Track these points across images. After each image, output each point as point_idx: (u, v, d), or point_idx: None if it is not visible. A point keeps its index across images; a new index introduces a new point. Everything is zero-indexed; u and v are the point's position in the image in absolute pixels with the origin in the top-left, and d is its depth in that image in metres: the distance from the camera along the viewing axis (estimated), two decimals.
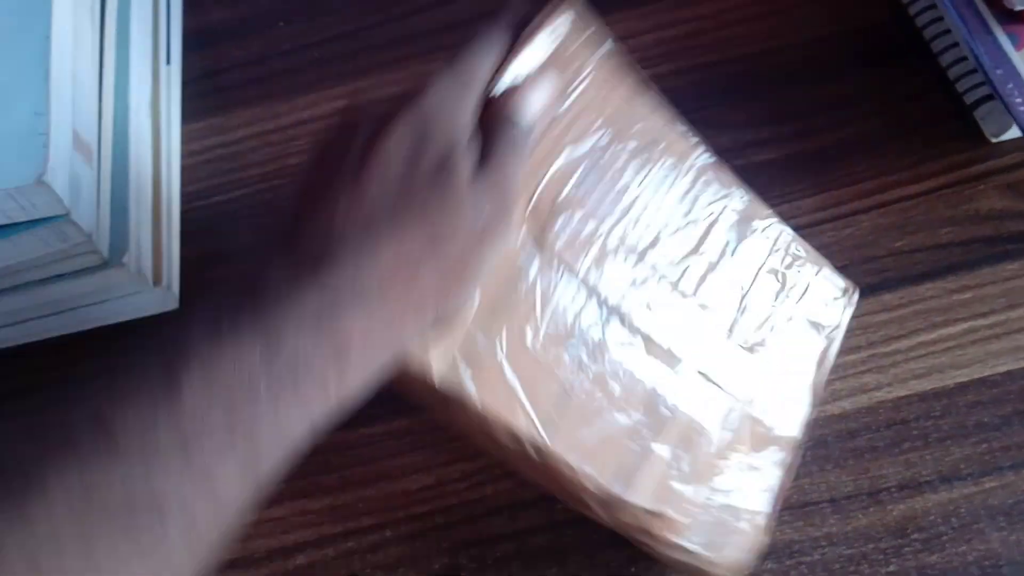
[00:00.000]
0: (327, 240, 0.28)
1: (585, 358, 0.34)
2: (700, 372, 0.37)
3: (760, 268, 0.40)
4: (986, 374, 0.41)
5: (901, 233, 0.44)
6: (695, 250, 0.38)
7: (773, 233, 0.41)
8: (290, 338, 0.26)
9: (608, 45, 0.38)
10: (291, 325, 0.26)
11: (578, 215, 0.35)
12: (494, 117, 0.32)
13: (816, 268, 0.41)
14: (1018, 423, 0.40)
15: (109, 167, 0.45)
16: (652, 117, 0.39)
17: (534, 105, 0.34)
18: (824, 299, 0.41)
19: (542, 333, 0.33)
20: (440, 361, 0.32)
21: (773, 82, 0.49)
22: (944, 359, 0.41)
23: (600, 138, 0.37)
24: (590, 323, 0.34)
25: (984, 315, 0.42)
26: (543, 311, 0.34)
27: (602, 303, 0.35)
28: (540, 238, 0.34)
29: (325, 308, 0.27)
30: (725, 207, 0.39)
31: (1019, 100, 0.40)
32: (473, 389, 0.32)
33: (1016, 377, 0.40)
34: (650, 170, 0.38)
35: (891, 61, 0.49)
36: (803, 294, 0.40)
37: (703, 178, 0.39)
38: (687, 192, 0.39)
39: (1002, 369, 0.41)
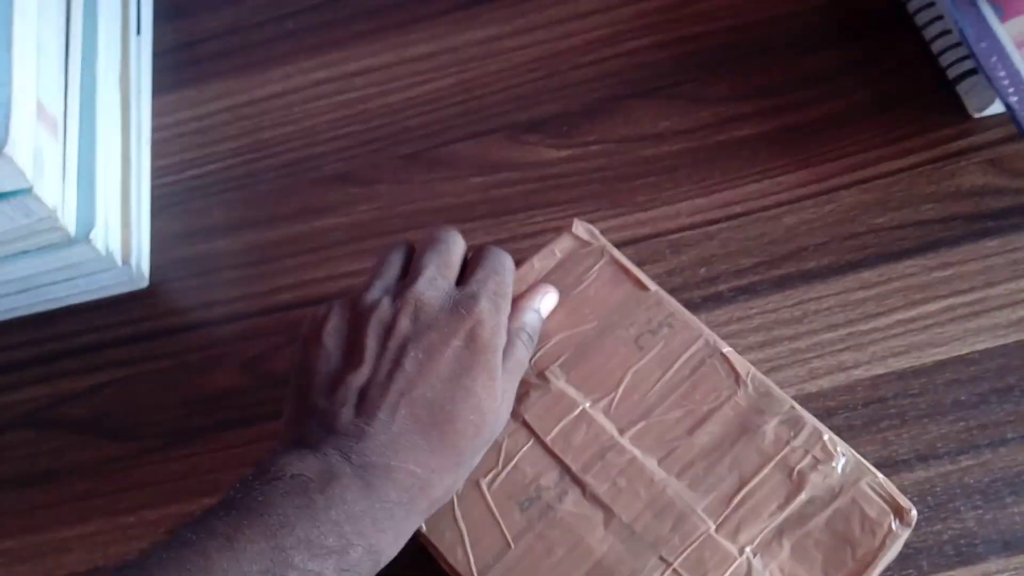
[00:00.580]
0: (378, 453, 0.32)
1: (537, 518, 0.35)
2: (663, 558, 0.34)
3: (770, 463, 0.35)
4: (964, 352, 0.40)
5: (883, 209, 0.44)
6: (687, 434, 0.36)
7: (794, 427, 0.36)
8: (355, 542, 0.31)
9: (609, 257, 0.40)
10: (348, 535, 0.31)
11: (556, 388, 0.38)
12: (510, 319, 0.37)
13: (856, 475, 0.35)
14: (995, 401, 0.39)
15: (76, 140, 0.44)
16: (656, 308, 0.39)
17: (540, 313, 0.39)
18: (862, 514, 0.34)
19: (498, 483, 0.36)
20: None
21: (755, 55, 0.48)
22: (923, 337, 0.41)
23: (596, 326, 0.39)
24: (548, 487, 0.36)
25: (963, 292, 0.41)
26: (504, 466, 0.36)
27: (564, 471, 0.36)
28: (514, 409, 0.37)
29: (376, 520, 0.32)
30: (731, 396, 0.37)
31: (1002, 74, 0.39)
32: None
33: (994, 355, 0.40)
34: (647, 355, 0.38)
35: (874, 34, 0.48)
36: (831, 503, 0.34)
37: (705, 365, 0.37)
38: (687, 378, 0.37)
39: (980, 347, 0.40)
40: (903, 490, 0.38)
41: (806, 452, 0.35)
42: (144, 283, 0.48)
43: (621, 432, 0.37)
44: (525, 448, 0.37)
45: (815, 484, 0.35)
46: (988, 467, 0.38)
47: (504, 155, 0.48)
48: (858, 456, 0.35)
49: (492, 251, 0.38)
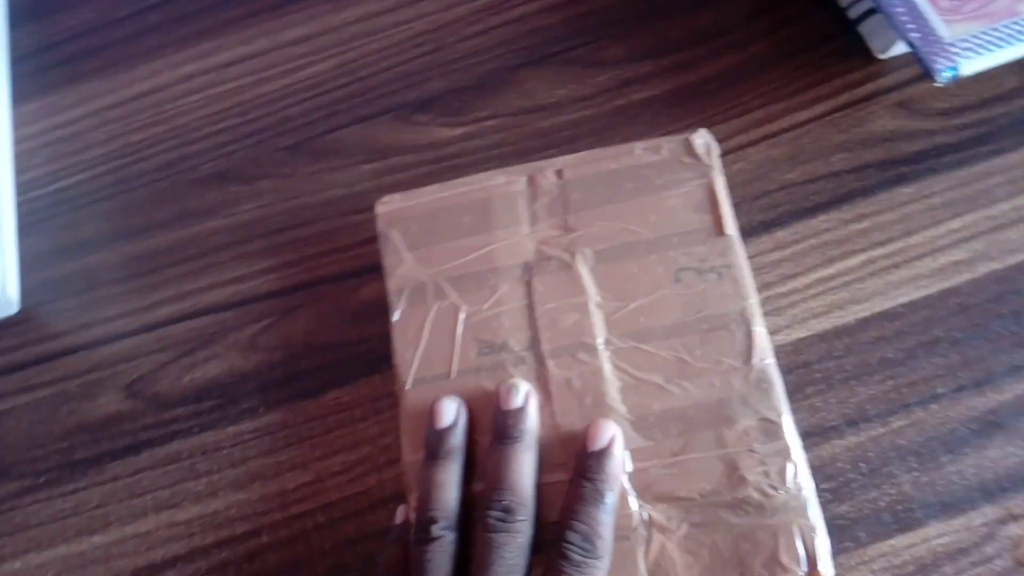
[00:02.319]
0: None
1: (486, 368, 0.35)
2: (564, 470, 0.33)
3: (720, 451, 0.33)
4: (887, 307, 0.38)
5: (793, 164, 0.41)
6: (664, 380, 0.34)
7: (768, 435, 0.33)
8: None
9: (709, 180, 0.37)
10: None
11: (577, 270, 0.36)
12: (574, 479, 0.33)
13: (794, 516, 0.32)
14: (923, 356, 0.37)
15: None
16: (718, 252, 0.36)
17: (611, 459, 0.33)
18: (773, 551, 0.32)
19: (475, 320, 0.36)
20: None
21: (648, 13, 0.46)
22: (843, 294, 0.39)
23: (651, 237, 0.36)
24: (512, 348, 0.36)
25: (882, 244, 0.39)
26: (489, 309, 0.36)
27: (534, 343, 0.35)
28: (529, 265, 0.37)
29: None
30: (730, 372, 0.34)
31: (901, 10, 0.37)
32: None
33: (918, 307, 0.38)
34: (679, 289, 0.35)
35: None
36: (753, 522, 0.32)
37: (726, 330, 0.34)
38: (703, 331, 0.34)
39: (903, 300, 0.38)
40: (833, 459, 0.36)
41: (761, 463, 0.32)
42: (14, 308, 0.44)
43: (607, 343, 0.35)
44: (516, 305, 0.36)
45: (750, 496, 0.32)
46: (921, 426, 0.36)
47: (395, 138, 0.45)
48: (814, 502, 0.32)
49: (588, 481, 0.32)
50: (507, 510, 0.31)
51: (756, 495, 0.32)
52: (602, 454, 0.32)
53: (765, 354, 0.34)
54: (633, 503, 0.32)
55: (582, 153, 0.38)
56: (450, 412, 0.34)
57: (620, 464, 0.33)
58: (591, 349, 0.35)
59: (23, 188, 0.47)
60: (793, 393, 0.37)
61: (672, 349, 0.34)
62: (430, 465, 0.33)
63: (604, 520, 0.31)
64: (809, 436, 0.37)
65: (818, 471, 0.36)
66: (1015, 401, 0.36)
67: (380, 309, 0.41)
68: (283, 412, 0.40)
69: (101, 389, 0.42)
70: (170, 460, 0.40)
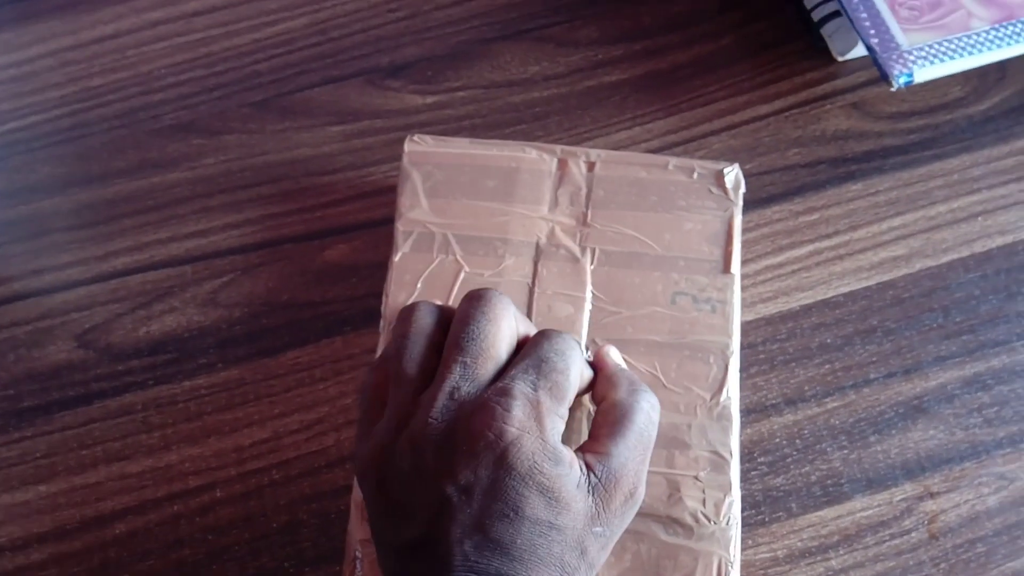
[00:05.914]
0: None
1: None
2: None
3: (665, 471, 0.34)
4: (829, 295, 0.41)
5: (751, 155, 0.43)
6: None
7: (714, 468, 0.34)
8: None
9: (729, 217, 0.38)
10: None
11: (582, 265, 0.37)
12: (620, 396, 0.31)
13: (719, 550, 0.33)
14: (859, 343, 0.40)
15: None
16: (718, 287, 0.37)
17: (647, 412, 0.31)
18: None
19: (474, 258, 0.37)
20: None
21: None
22: (790, 282, 0.41)
23: (657, 255, 0.37)
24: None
25: (828, 236, 0.42)
26: (499, 260, 0.37)
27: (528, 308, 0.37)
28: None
29: None
30: (695, 402, 0.35)
31: (863, 15, 0.39)
32: None
33: (857, 297, 0.41)
34: (671, 311, 0.36)
35: None
36: (681, 544, 0.33)
37: (704, 361, 0.36)
38: (681, 355, 0.36)
39: (844, 290, 0.41)
40: (771, 434, 0.39)
41: (702, 492, 0.34)
42: None
43: (590, 344, 0.36)
44: (518, 281, 0.37)
45: (683, 518, 0.34)
46: (852, 408, 0.39)
47: (364, 102, 0.45)
48: (737, 540, 0.33)
49: (546, 334, 0.31)
50: (480, 293, 0.31)
51: (689, 519, 0.34)
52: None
53: (733, 393, 0.35)
54: None
55: (618, 152, 0.39)
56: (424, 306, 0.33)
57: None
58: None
59: None
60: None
61: (649, 365, 0.36)
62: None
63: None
64: (750, 413, 0.39)
65: (757, 445, 0.38)
66: (939, 388, 0.39)
67: (345, 272, 0.42)
68: (241, 369, 0.40)
69: (51, 338, 0.41)
70: (122, 412, 0.40)
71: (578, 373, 0.30)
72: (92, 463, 0.39)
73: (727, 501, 0.34)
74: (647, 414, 0.31)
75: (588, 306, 0.36)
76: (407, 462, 0.29)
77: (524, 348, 0.31)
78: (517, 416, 0.28)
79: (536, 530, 0.28)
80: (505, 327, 0.30)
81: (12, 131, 0.45)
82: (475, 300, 0.31)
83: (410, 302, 0.35)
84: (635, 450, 0.30)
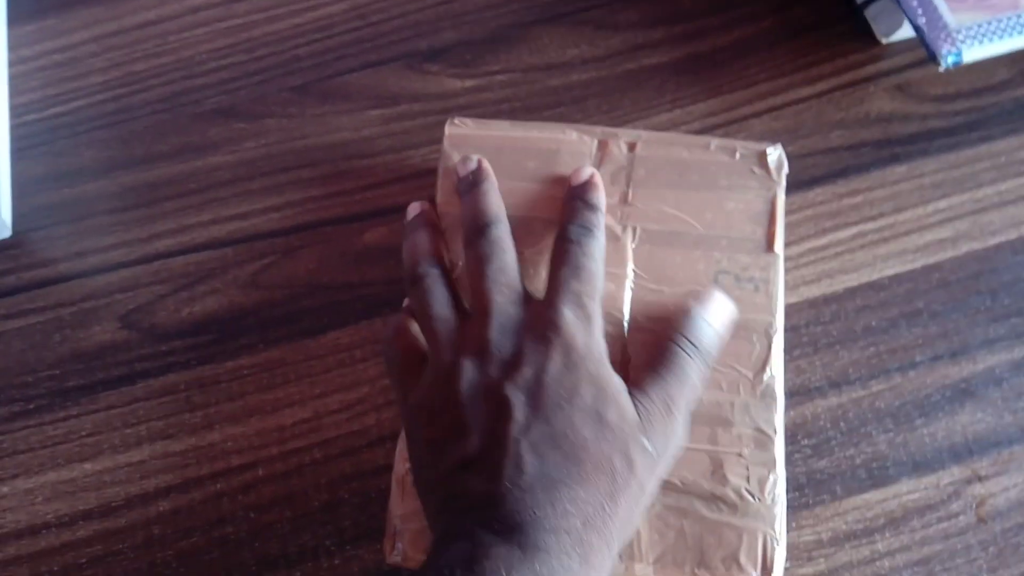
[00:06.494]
0: (519, 509, 0.28)
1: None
2: None
3: (707, 447, 0.34)
4: (874, 278, 0.40)
5: (793, 137, 0.43)
6: None
7: (758, 445, 0.34)
8: None
9: (772, 196, 0.37)
10: None
11: (624, 243, 0.37)
12: (663, 334, 0.33)
13: (764, 524, 0.33)
14: (904, 326, 0.39)
15: None
16: (761, 265, 0.36)
17: (712, 325, 0.34)
18: (734, 551, 0.33)
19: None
20: None
21: None
22: (833, 264, 0.40)
23: (700, 234, 0.37)
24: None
25: (873, 219, 0.41)
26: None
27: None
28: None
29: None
30: (738, 379, 0.35)
31: None
32: None
33: (903, 280, 0.40)
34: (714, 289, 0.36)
35: None
36: (723, 520, 0.33)
37: (746, 339, 0.35)
38: None
39: (889, 272, 0.40)
40: (816, 417, 0.38)
41: (746, 469, 0.34)
42: (7, 232, 0.43)
43: (631, 320, 0.36)
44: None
45: (727, 495, 0.33)
46: (898, 391, 0.38)
47: (403, 86, 0.45)
48: (782, 517, 0.33)
49: (572, 242, 0.34)
50: (481, 231, 0.35)
51: (733, 496, 0.33)
52: (586, 186, 0.36)
53: (777, 372, 0.35)
54: None
55: (659, 133, 0.38)
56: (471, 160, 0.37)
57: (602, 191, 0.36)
58: (616, 322, 0.35)
59: (17, 111, 0.46)
60: None
61: None
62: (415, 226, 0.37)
63: (597, 221, 0.35)
64: (793, 395, 0.38)
65: (800, 428, 0.38)
66: (986, 372, 0.39)
67: (384, 254, 0.42)
68: (282, 350, 0.41)
69: (96, 318, 0.42)
70: (166, 392, 0.40)
71: (601, 265, 0.34)
72: (136, 442, 0.39)
73: (771, 478, 0.34)
74: (693, 366, 0.33)
75: (629, 283, 0.36)
76: (467, 382, 0.31)
77: (556, 255, 0.34)
78: (569, 319, 0.31)
79: (586, 421, 0.30)
80: (511, 248, 0.35)
81: (56, 115, 0.46)
82: (479, 235, 0.34)
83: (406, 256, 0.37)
84: (672, 386, 0.32)
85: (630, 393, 0.31)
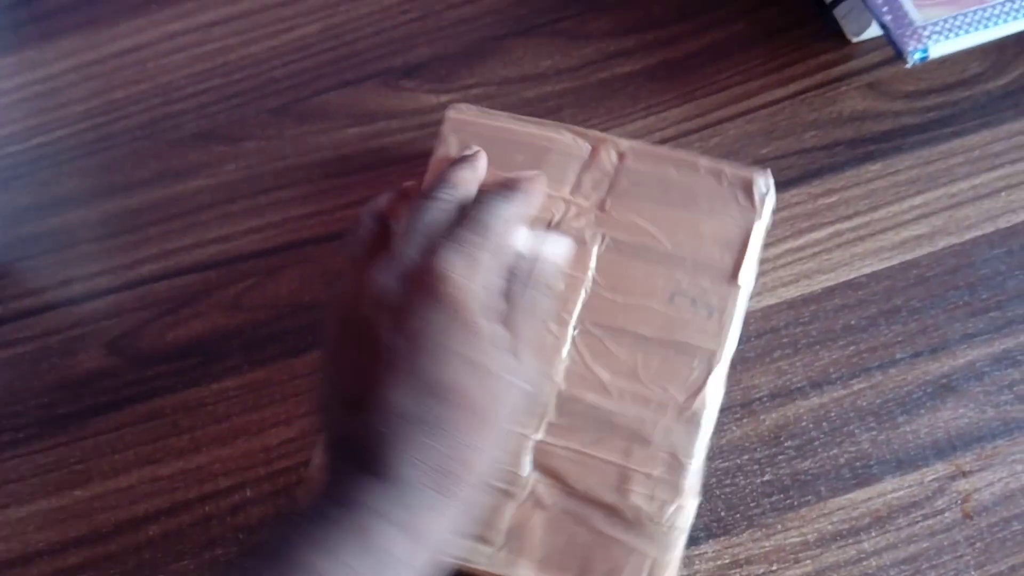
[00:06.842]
0: (382, 444, 0.30)
1: None
2: None
3: (618, 461, 0.34)
4: (852, 277, 0.40)
5: (768, 139, 0.43)
6: (602, 377, 0.36)
7: (668, 469, 0.34)
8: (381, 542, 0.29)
9: (748, 227, 0.37)
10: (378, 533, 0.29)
11: (582, 249, 0.38)
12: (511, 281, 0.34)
13: (657, 548, 0.33)
14: (883, 323, 0.39)
15: None
16: (720, 293, 0.36)
17: (553, 268, 0.36)
18: (618, 567, 0.34)
19: None
20: None
21: None
22: (811, 264, 0.41)
23: (666, 250, 0.37)
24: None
25: (849, 218, 0.41)
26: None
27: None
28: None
29: (400, 516, 0.30)
30: (666, 402, 0.35)
31: None
32: None
33: (880, 278, 0.40)
34: (666, 308, 0.36)
35: None
36: (616, 535, 0.34)
37: (684, 364, 0.36)
38: (665, 355, 0.36)
39: (867, 271, 0.40)
40: (798, 418, 0.38)
41: (651, 490, 0.34)
42: None
43: (579, 324, 0.36)
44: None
45: (624, 512, 0.34)
46: (880, 389, 0.39)
47: (380, 103, 0.45)
48: (677, 546, 0.33)
49: (488, 197, 0.35)
50: (434, 189, 0.35)
51: (630, 514, 0.34)
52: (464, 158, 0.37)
53: (710, 402, 0.35)
54: (527, 467, 0.34)
55: (652, 147, 0.39)
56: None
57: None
58: (563, 323, 0.36)
59: (0, 143, 0.46)
60: (762, 357, 0.39)
61: (631, 357, 0.36)
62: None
63: (460, 180, 0.36)
64: (775, 397, 0.39)
65: (783, 429, 0.38)
66: (967, 366, 0.39)
67: None
68: (267, 370, 0.41)
69: (82, 346, 0.42)
70: (152, 416, 0.41)
71: (509, 231, 0.34)
72: (125, 467, 0.40)
73: (675, 505, 0.33)
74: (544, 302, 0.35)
75: (585, 287, 0.36)
76: (350, 322, 0.33)
77: (469, 209, 0.34)
78: (451, 265, 0.32)
79: (456, 364, 0.30)
80: (453, 212, 0.35)
81: (39, 146, 0.46)
82: (431, 191, 0.35)
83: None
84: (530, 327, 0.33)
85: (503, 339, 0.32)
